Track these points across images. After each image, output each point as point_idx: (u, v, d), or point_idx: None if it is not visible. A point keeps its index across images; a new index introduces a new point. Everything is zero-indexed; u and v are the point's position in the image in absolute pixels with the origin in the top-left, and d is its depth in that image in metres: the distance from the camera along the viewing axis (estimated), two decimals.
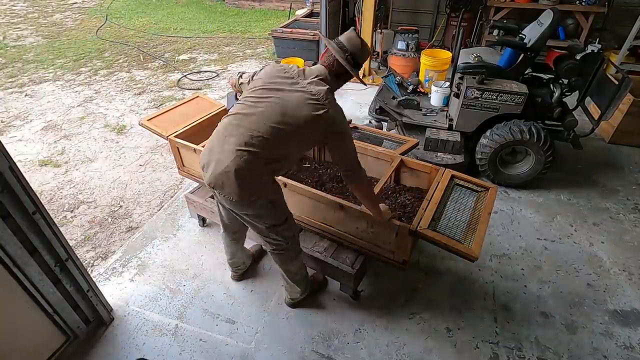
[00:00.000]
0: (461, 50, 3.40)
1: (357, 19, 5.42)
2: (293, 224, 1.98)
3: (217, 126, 1.78)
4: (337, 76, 1.73)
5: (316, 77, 1.67)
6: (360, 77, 1.79)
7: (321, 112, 1.60)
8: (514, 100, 2.94)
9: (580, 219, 3.02)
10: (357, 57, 1.70)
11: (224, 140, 1.66)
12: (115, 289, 2.43)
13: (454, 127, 3.26)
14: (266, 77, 1.73)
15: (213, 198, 2.69)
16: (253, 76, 1.86)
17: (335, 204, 2.08)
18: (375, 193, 2.06)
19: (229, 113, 1.75)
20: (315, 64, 1.79)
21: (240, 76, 1.97)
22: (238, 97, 2.01)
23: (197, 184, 2.82)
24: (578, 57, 3.07)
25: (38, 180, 3.46)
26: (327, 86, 1.66)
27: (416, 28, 5.43)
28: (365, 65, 5.34)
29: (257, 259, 2.61)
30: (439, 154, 3.26)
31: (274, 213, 1.85)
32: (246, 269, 2.48)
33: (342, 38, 1.72)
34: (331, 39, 1.74)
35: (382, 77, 3.99)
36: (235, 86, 2.02)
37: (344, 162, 1.75)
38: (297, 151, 1.81)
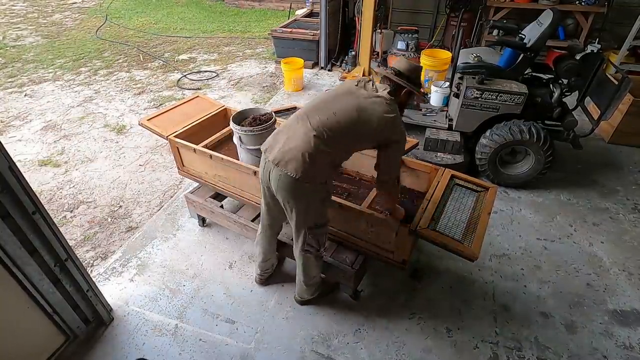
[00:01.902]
0: (461, 50, 3.40)
1: (357, 19, 5.42)
2: (327, 231, 2.02)
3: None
4: (395, 93, 1.81)
5: (385, 89, 1.79)
6: (420, 93, 1.89)
7: (392, 115, 1.72)
8: (514, 100, 2.94)
9: (580, 219, 3.02)
10: (406, 74, 1.80)
11: (296, 127, 1.76)
12: (115, 289, 2.43)
13: (453, 127, 3.26)
14: (338, 88, 1.86)
15: (214, 198, 2.70)
16: None
17: (336, 204, 2.08)
18: (375, 194, 2.12)
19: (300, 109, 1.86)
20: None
21: None
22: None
23: (197, 184, 2.82)
24: (578, 57, 3.07)
25: (38, 180, 3.45)
26: (392, 100, 1.78)
27: (416, 28, 5.44)
28: (365, 65, 5.34)
29: (280, 260, 2.58)
30: (438, 154, 3.27)
31: (321, 211, 1.92)
32: (272, 273, 2.47)
33: (394, 64, 1.86)
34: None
35: None
36: None
37: (389, 171, 1.85)
38: (355, 150, 1.90)
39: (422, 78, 4.32)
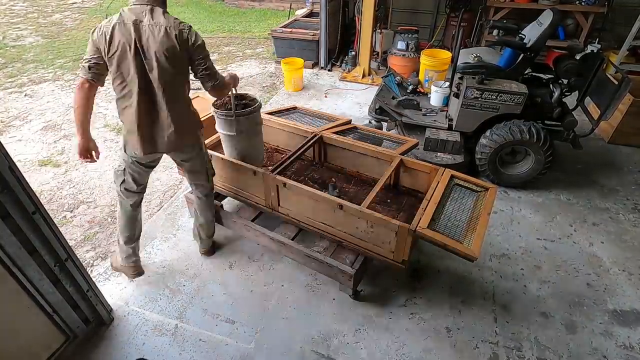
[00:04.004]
0: (461, 50, 3.40)
1: (357, 19, 5.42)
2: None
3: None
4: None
5: (150, 6, 1.84)
6: None
7: (182, 28, 1.87)
8: (514, 100, 2.94)
9: (580, 219, 3.02)
10: None
11: (145, 110, 1.86)
12: (115, 289, 2.43)
13: (453, 127, 3.26)
14: (118, 35, 1.79)
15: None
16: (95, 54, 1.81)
17: (336, 204, 2.08)
18: (375, 194, 2.11)
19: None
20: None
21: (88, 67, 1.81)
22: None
23: None
24: (578, 57, 3.08)
25: (38, 180, 3.45)
26: (167, 14, 1.88)
27: (416, 28, 5.44)
28: (365, 65, 5.34)
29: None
30: (438, 154, 3.26)
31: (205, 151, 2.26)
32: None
33: None
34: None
35: (382, 77, 3.99)
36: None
37: (212, 73, 1.99)
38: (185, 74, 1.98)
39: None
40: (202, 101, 3.07)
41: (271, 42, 6.26)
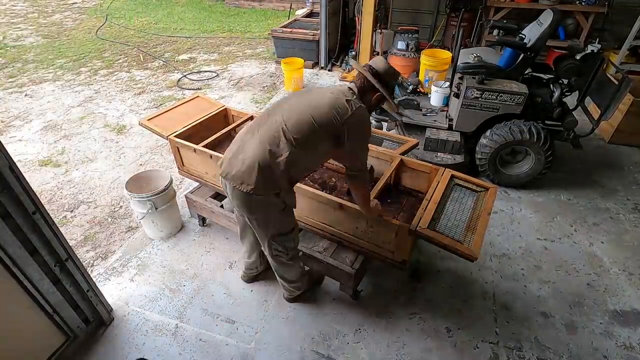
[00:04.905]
0: (461, 50, 3.40)
1: (357, 19, 5.42)
2: (297, 235, 2.01)
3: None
4: (365, 93, 1.75)
5: (341, 92, 1.73)
6: (392, 102, 1.81)
7: (343, 103, 1.66)
8: (514, 100, 2.94)
9: (580, 219, 3.02)
10: (383, 76, 1.73)
11: (249, 137, 1.72)
12: (115, 289, 2.43)
13: (454, 127, 3.26)
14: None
15: (214, 198, 2.70)
16: None
17: (336, 204, 2.08)
18: (375, 194, 2.10)
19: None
20: None
21: None
22: None
23: (197, 183, 2.82)
24: (578, 57, 3.07)
25: (38, 180, 3.45)
26: (354, 96, 1.72)
27: (416, 28, 5.44)
28: None
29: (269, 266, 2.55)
30: (439, 154, 3.26)
31: (283, 221, 1.87)
32: (258, 274, 2.47)
33: (371, 61, 1.79)
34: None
35: None
36: None
37: (354, 165, 1.80)
38: (316, 156, 1.82)
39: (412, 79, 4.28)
40: (202, 101, 3.07)
41: (271, 42, 6.26)
